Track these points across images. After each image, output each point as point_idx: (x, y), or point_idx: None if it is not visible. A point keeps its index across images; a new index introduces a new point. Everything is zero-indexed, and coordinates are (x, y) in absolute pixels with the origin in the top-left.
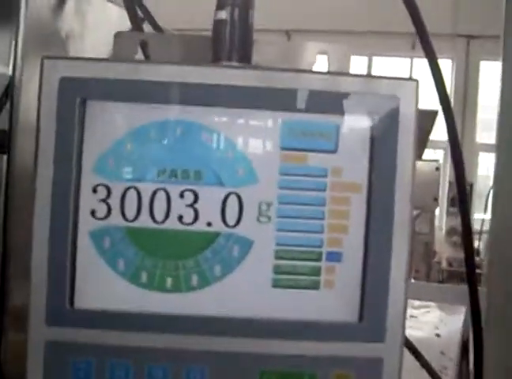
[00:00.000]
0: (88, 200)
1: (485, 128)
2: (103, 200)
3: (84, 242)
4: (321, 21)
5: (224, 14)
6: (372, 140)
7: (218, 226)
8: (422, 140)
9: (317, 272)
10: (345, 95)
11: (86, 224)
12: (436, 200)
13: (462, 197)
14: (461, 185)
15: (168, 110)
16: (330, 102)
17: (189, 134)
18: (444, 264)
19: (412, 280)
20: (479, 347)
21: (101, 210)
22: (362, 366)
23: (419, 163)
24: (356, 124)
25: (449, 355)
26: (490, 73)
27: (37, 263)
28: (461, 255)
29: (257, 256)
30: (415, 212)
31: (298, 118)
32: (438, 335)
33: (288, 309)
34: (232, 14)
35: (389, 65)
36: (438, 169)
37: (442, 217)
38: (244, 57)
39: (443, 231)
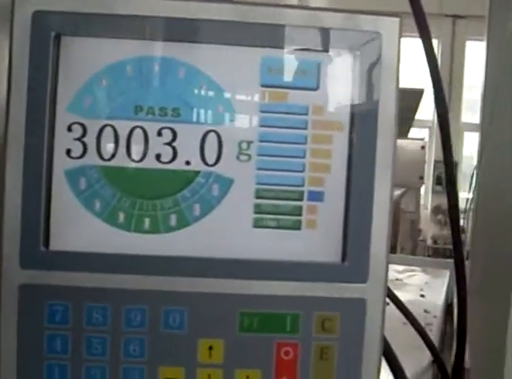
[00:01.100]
0: (62, 139)
1: (470, 108)
2: (79, 139)
3: (59, 182)
4: None
5: None
6: (354, 77)
7: (197, 164)
8: (408, 119)
9: (298, 211)
10: (327, 31)
11: (61, 164)
12: (422, 178)
13: (449, 172)
14: (448, 160)
15: (145, 46)
16: (311, 38)
17: (166, 71)
18: (429, 242)
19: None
20: (463, 310)
21: (77, 149)
22: (345, 307)
23: (404, 142)
24: (338, 61)
25: (433, 313)
26: (475, 53)
27: (10, 204)
28: (445, 233)
29: (238, 195)
30: (400, 190)
31: (278, 54)
32: (422, 296)
33: (270, 250)
34: None
35: None
36: (423, 147)
37: (427, 196)
38: None
39: (428, 210)
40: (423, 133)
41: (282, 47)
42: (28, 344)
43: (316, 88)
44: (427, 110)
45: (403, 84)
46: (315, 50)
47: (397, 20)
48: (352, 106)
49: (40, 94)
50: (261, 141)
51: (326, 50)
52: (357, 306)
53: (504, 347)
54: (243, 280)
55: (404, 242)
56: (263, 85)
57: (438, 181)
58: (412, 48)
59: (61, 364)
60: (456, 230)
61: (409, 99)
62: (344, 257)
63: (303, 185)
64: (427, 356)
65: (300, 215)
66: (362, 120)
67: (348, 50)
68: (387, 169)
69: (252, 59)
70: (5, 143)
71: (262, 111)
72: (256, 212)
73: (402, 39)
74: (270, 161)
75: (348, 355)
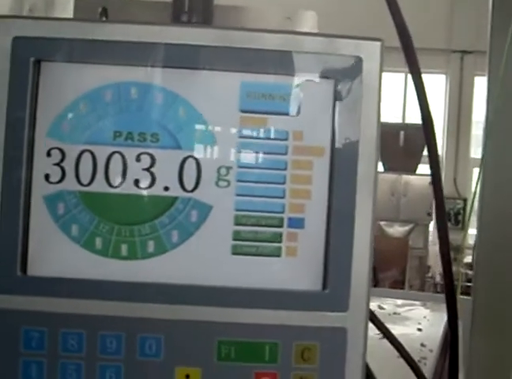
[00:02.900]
0: (41, 164)
1: (479, 144)
2: (57, 164)
3: (37, 207)
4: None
5: None
6: (335, 102)
7: (175, 190)
8: (416, 155)
9: (278, 238)
10: (307, 56)
11: (40, 189)
12: (430, 214)
13: (439, 211)
14: (438, 196)
15: (124, 71)
16: (291, 62)
17: (145, 96)
18: (438, 278)
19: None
20: (454, 347)
21: (55, 174)
22: (325, 336)
23: (412, 178)
24: (318, 86)
25: (429, 347)
26: (484, 88)
27: None
28: (455, 269)
29: (216, 221)
30: (408, 226)
31: (258, 79)
32: (419, 330)
33: (249, 277)
34: None
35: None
36: (431, 183)
37: (435, 232)
38: (205, 20)
39: (437, 246)
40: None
41: (261, 72)
42: (3, 370)
43: (296, 114)
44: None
45: (410, 120)
46: (295, 76)
47: (378, 43)
48: (333, 131)
49: (19, 119)
50: (241, 167)
51: (307, 76)
52: (338, 336)
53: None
54: (222, 308)
55: (413, 278)
56: (242, 110)
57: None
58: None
59: None
60: (447, 265)
61: (417, 135)
62: (324, 285)
63: (283, 212)
64: None
65: (280, 242)
66: (343, 145)
67: (328, 74)
68: (369, 195)
69: (231, 84)
70: None
71: (241, 137)
72: (235, 239)
73: (409, 75)
74: (250, 187)
75: None
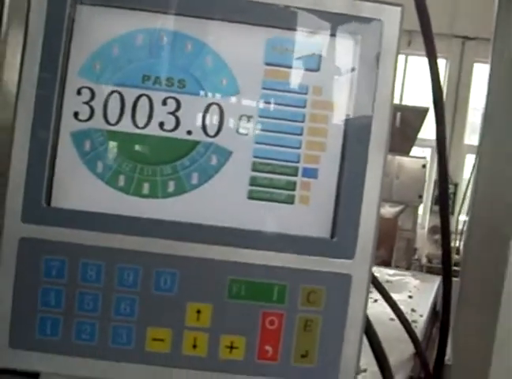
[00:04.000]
0: (71, 102)
1: (474, 130)
2: (87, 103)
3: (65, 143)
4: None
5: None
6: (354, 60)
7: (198, 134)
8: (411, 137)
9: (292, 186)
10: (330, 16)
11: (68, 125)
12: (421, 197)
13: (443, 187)
14: (442, 177)
15: (157, 18)
16: (316, 21)
17: (175, 43)
18: (424, 261)
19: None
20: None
21: (84, 112)
22: (331, 281)
23: (406, 160)
24: (340, 44)
25: (419, 313)
26: (482, 75)
27: (17, 160)
28: (440, 252)
29: (235, 167)
30: (399, 207)
31: (283, 34)
32: (410, 297)
33: (262, 221)
34: None
35: None
36: (424, 166)
37: (425, 215)
38: None
39: (425, 229)
40: (425, 153)
41: (287, 28)
42: (24, 296)
43: (317, 69)
44: (430, 129)
45: (408, 102)
46: (318, 33)
47: (398, 9)
48: (351, 88)
49: (53, 56)
50: (261, 117)
51: (329, 34)
52: (343, 281)
53: (489, 348)
54: (235, 248)
55: (400, 259)
56: (267, 63)
57: (436, 201)
58: (417, 67)
59: (53, 317)
60: (446, 238)
61: (413, 118)
62: (333, 233)
63: (298, 162)
64: (409, 350)
65: (294, 190)
66: (359, 103)
67: (350, 34)
68: (380, 150)
69: (258, 38)
70: (16, 101)
71: (264, 88)
72: (251, 184)
73: (410, 58)
74: (269, 136)
75: (330, 329)
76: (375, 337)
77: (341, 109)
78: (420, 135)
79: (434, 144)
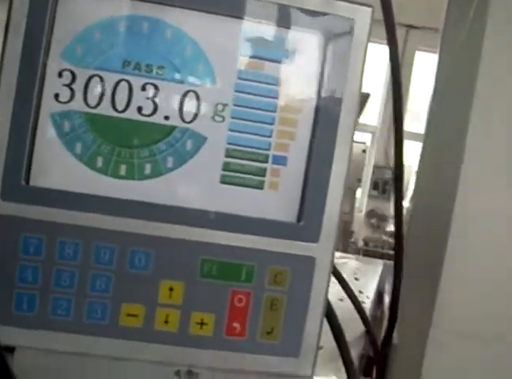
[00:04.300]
0: (52, 84)
1: (413, 118)
2: (68, 85)
3: (44, 123)
4: None
5: None
6: (325, 55)
7: (175, 120)
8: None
9: (263, 172)
10: (305, 12)
11: (49, 106)
12: (360, 181)
13: (398, 174)
14: (398, 161)
15: (139, 6)
16: (291, 16)
17: (155, 31)
18: (361, 244)
19: None
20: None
21: (65, 94)
22: (296, 263)
23: None
24: (312, 40)
25: (366, 294)
26: (424, 64)
27: None
28: (377, 236)
29: (209, 152)
30: None
31: (259, 27)
32: (356, 279)
33: (233, 205)
34: None
35: None
36: (364, 151)
37: (363, 199)
38: None
39: (362, 213)
40: (365, 138)
41: (264, 22)
42: (2, 273)
43: (290, 63)
44: (371, 115)
45: None
46: (293, 28)
47: (369, 9)
48: (321, 81)
49: (36, 38)
50: (236, 105)
51: (303, 29)
52: (307, 263)
53: (428, 327)
54: (207, 230)
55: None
56: (243, 54)
57: (374, 186)
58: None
59: (30, 293)
60: (399, 221)
61: None
62: (299, 218)
63: (269, 149)
64: (360, 329)
65: (264, 176)
66: (328, 96)
67: (322, 30)
68: (347, 141)
69: (235, 29)
70: None
71: (240, 78)
72: (224, 169)
73: None
74: (242, 124)
75: (294, 308)
76: (334, 316)
77: (311, 101)
78: (361, 120)
79: (373, 129)
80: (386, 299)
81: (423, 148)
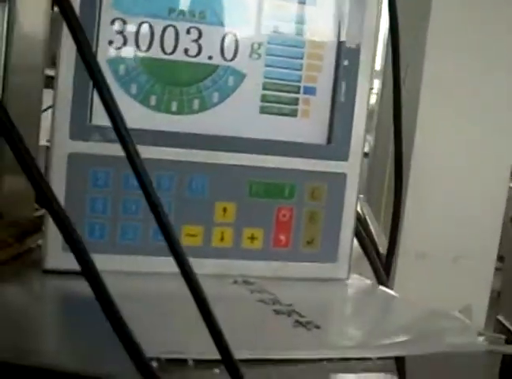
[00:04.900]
0: (106, 32)
1: None
2: (120, 32)
3: (102, 69)
4: None
5: None
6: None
7: (218, 59)
8: None
9: (295, 102)
10: None
11: (104, 53)
12: None
13: (397, 141)
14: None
15: None
16: None
17: None
18: None
19: None
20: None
21: (118, 41)
22: (330, 180)
23: None
24: None
25: None
26: None
27: (63, 85)
28: None
29: (249, 86)
30: None
31: None
32: None
33: (272, 132)
34: None
35: None
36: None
37: None
38: None
39: None
40: None
41: None
42: (74, 206)
43: (314, 3)
44: None
45: None
46: None
47: None
48: (342, 19)
49: None
50: (270, 43)
51: None
52: (339, 179)
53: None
54: (251, 154)
55: None
56: None
57: None
58: None
59: (101, 222)
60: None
61: None
62: (329, 140)
63: (300, 81)
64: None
65: (297, 104)
66: (349, 31)
67: None
68: (367, 71)
69: None
70: (60, 32)
71: (271, 19)
72: (262, 101)
73: None
74: (276, 60)
75: (330, 219)
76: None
77: (334, 37)
78: None
79: None
80: None
81: (382, 85)
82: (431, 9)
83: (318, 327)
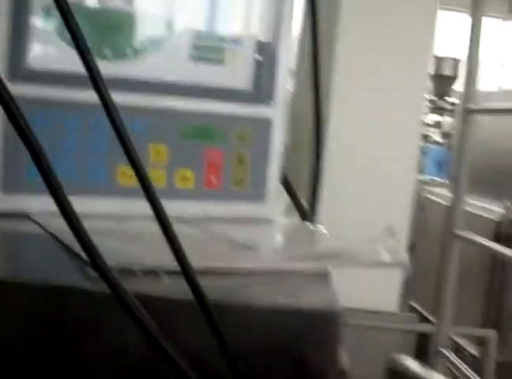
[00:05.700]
0: None
1: None
2: None
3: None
4: None
5: None
6: None
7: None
8: None
9: (223, 52)
10: None
11: (40, 0)
12: None
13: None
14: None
15: None
16: None
17: None
18: None
19: None
20: None
21: None
22: (256, 124)
23: None
24: None
25: None
26: None
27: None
28: None
29: (180, 36)
30: None
31: None
32: None
33: (202, 77)
34: None
35: None
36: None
37: None
38: None
39: None
40: None
41: None
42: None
43: None
44: None
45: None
46: None
47: None
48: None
49: None
50: None
51: None
52: (264, 124)
53: None
54: (184, 98)
55: None
56: None
57: None
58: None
59: None
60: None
61: None
62: (254, 86)
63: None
64: None
65: (223, 53)
66: None
67: None
68: (288, 33)
69: None
70: None
71: None
72: (194, 50)
73: None
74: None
75: (257, 162)
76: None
77: None
78: None
79: None
80: None
81: (300, 49)
82: None
83: (254, 249)
